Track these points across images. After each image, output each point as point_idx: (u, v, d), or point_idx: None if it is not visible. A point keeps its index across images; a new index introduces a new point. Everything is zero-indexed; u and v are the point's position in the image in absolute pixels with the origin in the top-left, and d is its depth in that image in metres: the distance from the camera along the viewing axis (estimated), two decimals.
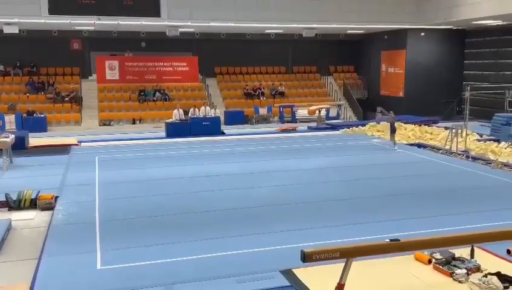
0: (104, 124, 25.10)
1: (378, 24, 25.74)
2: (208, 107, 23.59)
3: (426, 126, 21.45)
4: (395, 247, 5.81)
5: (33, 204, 10.48)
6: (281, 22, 24.33)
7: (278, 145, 18.54)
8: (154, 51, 28.47)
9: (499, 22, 23.59)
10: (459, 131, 16.94)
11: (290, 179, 13.04)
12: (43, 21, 22.04)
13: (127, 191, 11.80)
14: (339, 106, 28.64)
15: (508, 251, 6.18)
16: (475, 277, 6.64)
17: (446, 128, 19.00)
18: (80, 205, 10.59)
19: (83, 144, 18.98)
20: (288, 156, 16.34)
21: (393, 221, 9.45)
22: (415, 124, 21.58)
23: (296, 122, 26.00)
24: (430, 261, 7.16)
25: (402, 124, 21.49)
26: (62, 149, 17.50)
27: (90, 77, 28.18)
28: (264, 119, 26.18)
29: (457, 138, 16.58)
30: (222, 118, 24.14)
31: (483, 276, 6.59)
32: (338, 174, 13.69)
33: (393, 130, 17.57)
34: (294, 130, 23.09)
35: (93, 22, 22.58)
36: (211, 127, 21.51)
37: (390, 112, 17.82)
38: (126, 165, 14.98)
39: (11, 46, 26.13)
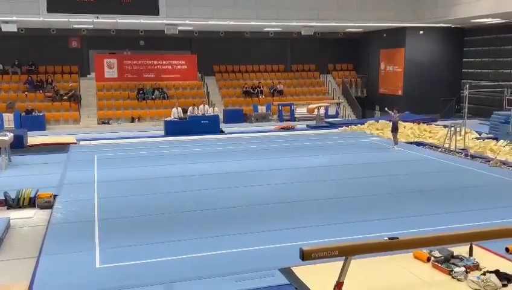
0: (103, 123, 25.08)
1: (377, 22, 25.73)
2: (206, 106, 23.58)
3: (425, 124, 21.45)
4: (394, 245, 5.82)
5: (32, 203, 10.47)
6: (280, 20, 24.31)
7: (277, 144, 18.54)
8: (152, 49, 28.44)
9: (498, 20, 23.59)
10: (458, 129, 16.95)
11: (289, 177, 13.05)
12: (41, 19, 21.99)
13: (126, 190, 11.80)
14: (338, 104, 28.65)
15: (507, 249, 6.21)
16: (474, 275, 6.64)
17: (445, 126, 19.01)
18: (78, 204, 10.59)
19: (81, 142, 18.98)
20: (287, 154, 16.34)
21: (391, 219, 9.46)
22: (413, 123, 21.58)
23: (294, 120, 26.00)
24: (428, 259, 7.17)
25: (401, 122, 21.50)
26: (61, 148, 17.49)
27: (88, 76, 28.14)
28: (263, 118, 26.17)
29: (456, 136, 16.59)
30: (221, 117, 24.12)
31: (481, 274, 6.59)
32: (336, 173, 13.69)
33: (395, 129, 17.50)
34: (293, 128, 23.10)
35: (91, 20, 22.54)
36: (209, 126, 21.52)
37: (394, 110, 17.71)
38: (125, 164, 14.98)
39: (10, 44, 26.05)
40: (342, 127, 22.71)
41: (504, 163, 14.51)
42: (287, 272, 6.93)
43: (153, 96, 27.01)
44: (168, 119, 21.94)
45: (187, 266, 7.32)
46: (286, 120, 26.05)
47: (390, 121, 18.22)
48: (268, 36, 29.66)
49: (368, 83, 31.17)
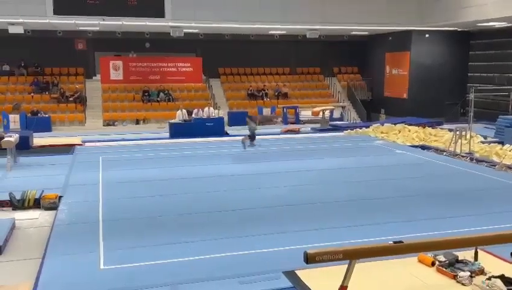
0: (108, 124, 25.16)
1: (382, 26, 25.72)
2: (211, 108, 23.60)
3: (430, 128, 21.39)
4: (399, 249, 5.79)
5: (37, 204, 10.49)
6: (285, 23, 24.34)
7: (282, 147, 18.53)
8: (158, 51, 28.55)
9: (504, 24, 23.53)
10: (463, 133, 16.89)
11: (294, 180, 13.02)
12: (47, 21, 22.13)
13: (131, 191, 11.81)
14: (343, 107, 28.61)
15: None
16: (479, 280, 6.61)
17: (450, 130, 18.94)
18: (83, 205, 10.61)
19: (86, 144, 19.02)
20: (292, 157, 16.32)
21: (397, 223, 9.42)
22: (419, 126, 21.53)
23: (299, 123, 25.99)
24: (433, 264, 7.13)
25: (406, 125, 21.46)
26: (66, 149, 17.55)
27: (94, 77, 28.32)
28: (268, 120, 26.17)
29: (461, 140, 16.53)
30: (226, 119, 24.15)
31: (486, 279, 6.56)
32: (342, 176, 13.66)
33: (252, 137, 18.13)
34: (298, 131, 23.09)
35: (97, 22, 22.65)
36: (214, 128, 21.52)
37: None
38: (130, 165, 15.00)
39: (16, 46, 26.23)
40: (346, 130, 22.67)
41: (509, 167, 14.43)
42: (291, 275, 6.91)
43: (158, 99, 27.08)
44: (173, 121, 21.97)
45: (191, 268, 7.32)
46: (291, 123, 26.04)
47: (250, 130, 18.80)
48: (273, 39, 29.69)
49: (373, 86, 31.14)
